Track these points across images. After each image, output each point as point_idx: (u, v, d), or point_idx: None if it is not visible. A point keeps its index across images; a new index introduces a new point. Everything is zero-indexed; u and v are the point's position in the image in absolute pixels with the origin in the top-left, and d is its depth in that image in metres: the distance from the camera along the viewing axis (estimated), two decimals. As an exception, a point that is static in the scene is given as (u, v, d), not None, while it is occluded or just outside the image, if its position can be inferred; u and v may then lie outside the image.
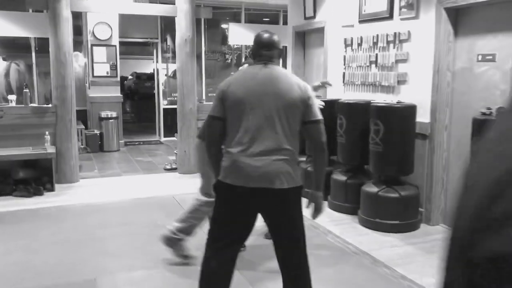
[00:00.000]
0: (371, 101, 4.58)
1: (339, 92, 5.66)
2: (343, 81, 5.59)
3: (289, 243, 2.36)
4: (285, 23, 10.36)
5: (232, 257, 2.36)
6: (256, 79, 2.33)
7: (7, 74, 8.83)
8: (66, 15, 5.76)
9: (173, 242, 3.52)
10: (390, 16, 4.78)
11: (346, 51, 5.53)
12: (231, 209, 2.32)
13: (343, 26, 5.58)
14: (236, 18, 10.30)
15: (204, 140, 2.44)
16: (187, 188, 5.74)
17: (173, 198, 5.34)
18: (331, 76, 5.87)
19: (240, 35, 9.60)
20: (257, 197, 2.27)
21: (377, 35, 4.97)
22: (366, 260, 3.62)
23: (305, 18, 6.41)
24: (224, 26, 10.95)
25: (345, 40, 5.52)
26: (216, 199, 2.39)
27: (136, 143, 9.58)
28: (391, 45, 4.79)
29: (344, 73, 5.58)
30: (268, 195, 2.25)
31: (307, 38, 6.73)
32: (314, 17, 6.21)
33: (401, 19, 4.65)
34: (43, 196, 5.41)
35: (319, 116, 2.37)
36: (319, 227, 4.30)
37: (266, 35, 2.43)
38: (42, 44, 8.86)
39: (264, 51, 2.39)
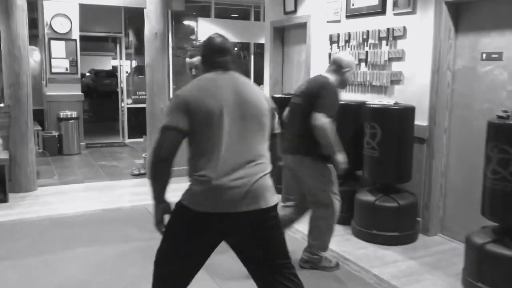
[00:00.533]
0: (366, 102, 4.24)
1: (324, 92, 5.30)
2: (329, 80, 5.24)
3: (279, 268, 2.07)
4: (256, 19, 10.00)
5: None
6: (223, 88, 2.05)
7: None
8: (20, 3, 5.11)
9: (316, 262, 3.38)
10: (383, 11, 4.45)
11: (331, 48, 5.17)
12: (199, 242, 2.00)
13: (328, 22, 5.23)
14: (204, 13, 9.81)
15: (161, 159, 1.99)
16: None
17: (145, 208, 4.82)
18: (315, 75, 5.50)
19: (210, 31, 9.14)
20: (239, 223, 1.98)
21: (368, 31, 4.63)
22: (371, 280, 3.26)
23: (285, 13, 6.02)
24: (186, 22, 10.39)
25: (331, 36, 5.17)
26: (177, 228, 2.02)
27: (98, 145, 8.92)
28: (384, 42, 4.46)
29: (329, 72, 5.22)
30: (252, 217, 1.98)
31: (287, 34, 6.35)
32: (295, 11, 5.82)
33: (395, 14, 4.32)
34: (-5, 209, 4.77)
35: (279, 129, 2.29)
36: (311, 241, 3.92)
37: (219, 40, 2.19)
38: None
39: (219, 58, 2.14)
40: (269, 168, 2.07)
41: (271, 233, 2.06)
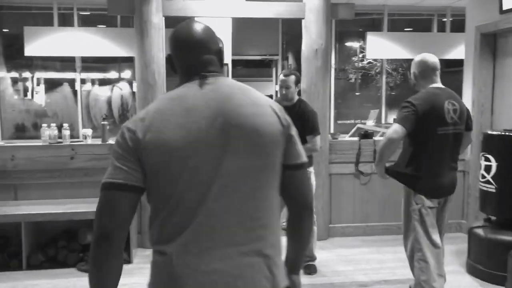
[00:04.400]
0: None
1: None
2: None
3: None
4: (440, 30, 8.11)
5: None
6: (197, 109, 1.21)
7: (109, 100, 7.85)
8: (156, 21, 4.26)
9: None
10: None
11: None
12: None
13: None
14: (374, 27, 8.28)
15: None
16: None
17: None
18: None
19: (381, 47, 7.60)
20: None
21: None
22: None
23: (502, 11, 4.17)
24: (349, 40, 8.95)
25: None
26: None
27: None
28: None
29: None
30: None
31: (502, 41, 4.45)
32: (520, 7, 3.96)
33: None
34: (115, 272, 3.87)
35: (305, 157, 1.34)
36: None
37: (191, 29, 1.29)
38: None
39: (195, 57, 1.28)
40: (271, 240, 1.25)
41: None
